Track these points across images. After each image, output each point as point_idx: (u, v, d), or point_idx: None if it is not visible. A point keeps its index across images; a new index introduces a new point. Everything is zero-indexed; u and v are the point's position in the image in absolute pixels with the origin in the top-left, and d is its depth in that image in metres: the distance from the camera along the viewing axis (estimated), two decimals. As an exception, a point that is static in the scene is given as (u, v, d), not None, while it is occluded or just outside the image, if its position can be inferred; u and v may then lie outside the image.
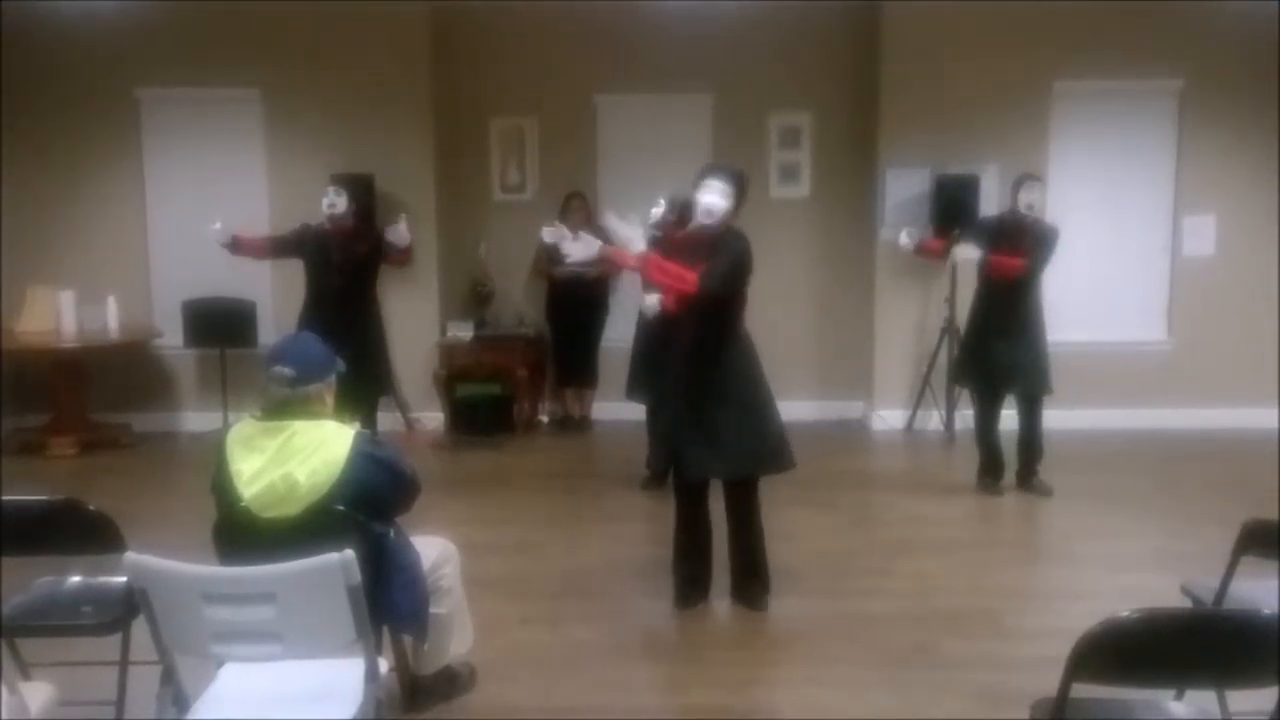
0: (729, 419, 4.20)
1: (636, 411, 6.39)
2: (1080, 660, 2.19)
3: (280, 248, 6.57)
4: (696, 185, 4.19)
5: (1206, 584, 3.14)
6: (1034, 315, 5.91)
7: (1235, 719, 2.81)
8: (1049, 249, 5.82)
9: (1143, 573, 4.72)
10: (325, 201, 6.33)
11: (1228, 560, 3.03)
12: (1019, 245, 5.80)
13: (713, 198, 4.11)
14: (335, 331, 3.49)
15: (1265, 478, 6.07)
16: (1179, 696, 2.73)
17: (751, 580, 4.44)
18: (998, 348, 5.89)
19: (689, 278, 3.99)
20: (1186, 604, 3.16)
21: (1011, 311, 5.85)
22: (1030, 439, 6.09)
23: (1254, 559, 3.02)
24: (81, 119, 7.73)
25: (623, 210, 5.35)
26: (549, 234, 4.35)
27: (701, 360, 4.22)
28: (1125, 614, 2.18)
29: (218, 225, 6.24)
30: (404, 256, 6.80)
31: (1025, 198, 5.84)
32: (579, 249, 4.22)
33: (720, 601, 4.47)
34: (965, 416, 7.65)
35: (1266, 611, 2.21)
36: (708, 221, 4.13)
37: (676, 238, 4.37)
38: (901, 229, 6.27)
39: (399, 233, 6.51)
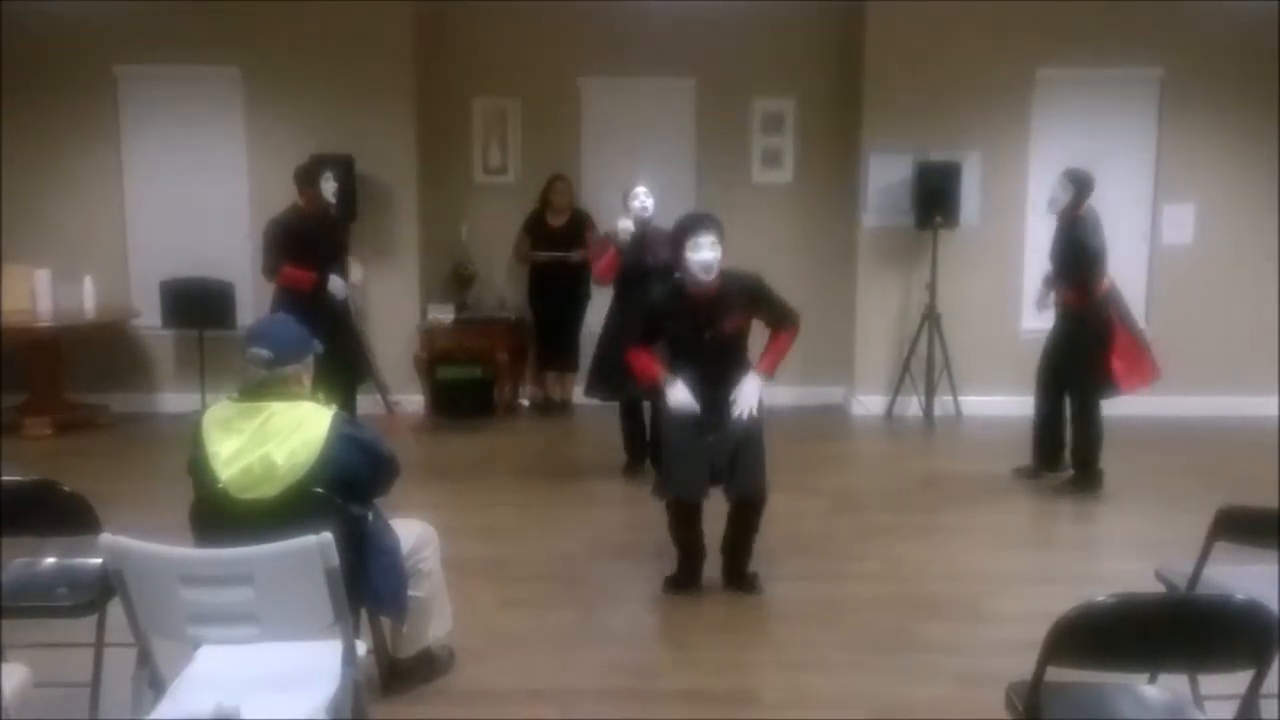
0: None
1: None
2: (1056, 644, 2.21)
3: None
4: (682, 244, 4.11)
5: (1180, 569, 3.18)
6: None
7: (1207, 702, 2.84)
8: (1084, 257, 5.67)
9: (1119, 558, 4.78)
10: (329, 189, 6.22)
11: (1202, 546, 3.07)
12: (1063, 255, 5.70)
13: (710, 255, 4.08)
14: (310, 315, 3.44)
15: (1241, 465, 6.14)
16: (1152, 680, 2.76)
17: (746, 570, 4.47)
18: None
19: (787, 337, 4.35)
20: (1161, 589, 3.20)
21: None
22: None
23: (1228, 545, 3.06)
24: (59, 96, 7.62)
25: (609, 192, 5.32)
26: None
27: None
28: (1100, 598, 2.20)
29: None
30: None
31: (1049, 194, 5.69)
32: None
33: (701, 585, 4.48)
34: (944, 402, 7.72)
35: (1239, 597, 2.24)
36: (707, 278, 4.11)
37: (696, 297, 4.19)
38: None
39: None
